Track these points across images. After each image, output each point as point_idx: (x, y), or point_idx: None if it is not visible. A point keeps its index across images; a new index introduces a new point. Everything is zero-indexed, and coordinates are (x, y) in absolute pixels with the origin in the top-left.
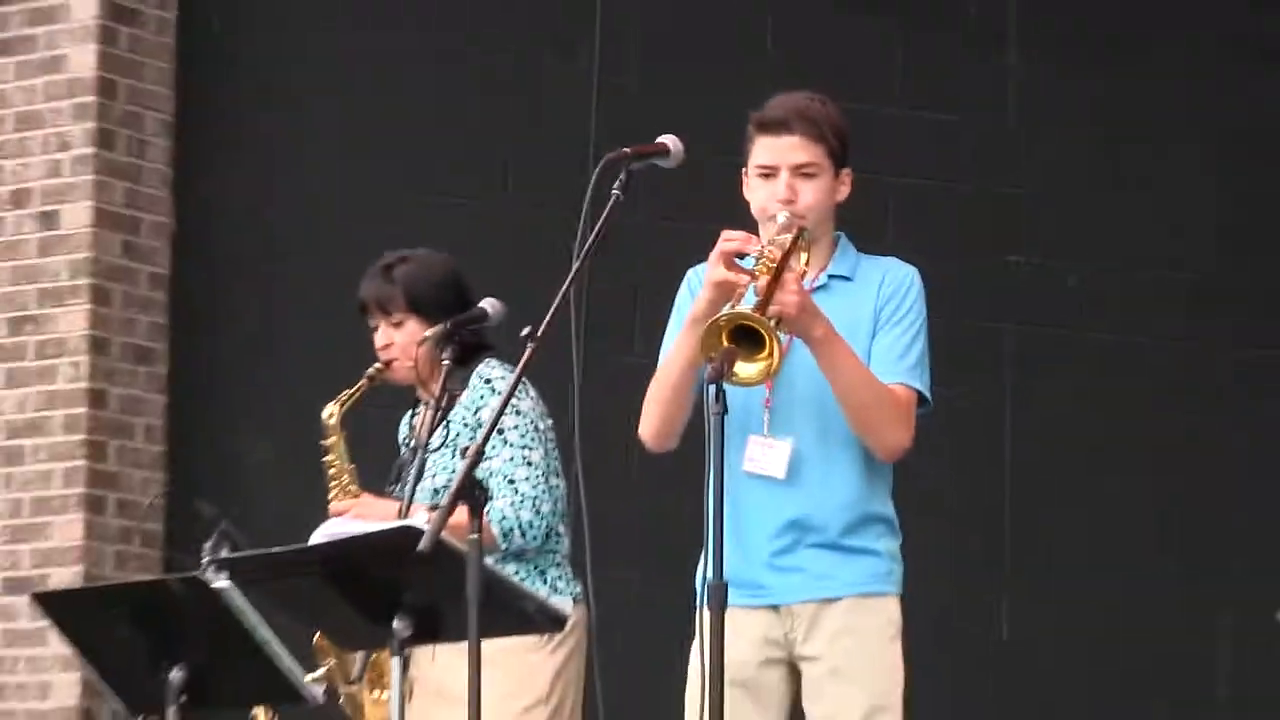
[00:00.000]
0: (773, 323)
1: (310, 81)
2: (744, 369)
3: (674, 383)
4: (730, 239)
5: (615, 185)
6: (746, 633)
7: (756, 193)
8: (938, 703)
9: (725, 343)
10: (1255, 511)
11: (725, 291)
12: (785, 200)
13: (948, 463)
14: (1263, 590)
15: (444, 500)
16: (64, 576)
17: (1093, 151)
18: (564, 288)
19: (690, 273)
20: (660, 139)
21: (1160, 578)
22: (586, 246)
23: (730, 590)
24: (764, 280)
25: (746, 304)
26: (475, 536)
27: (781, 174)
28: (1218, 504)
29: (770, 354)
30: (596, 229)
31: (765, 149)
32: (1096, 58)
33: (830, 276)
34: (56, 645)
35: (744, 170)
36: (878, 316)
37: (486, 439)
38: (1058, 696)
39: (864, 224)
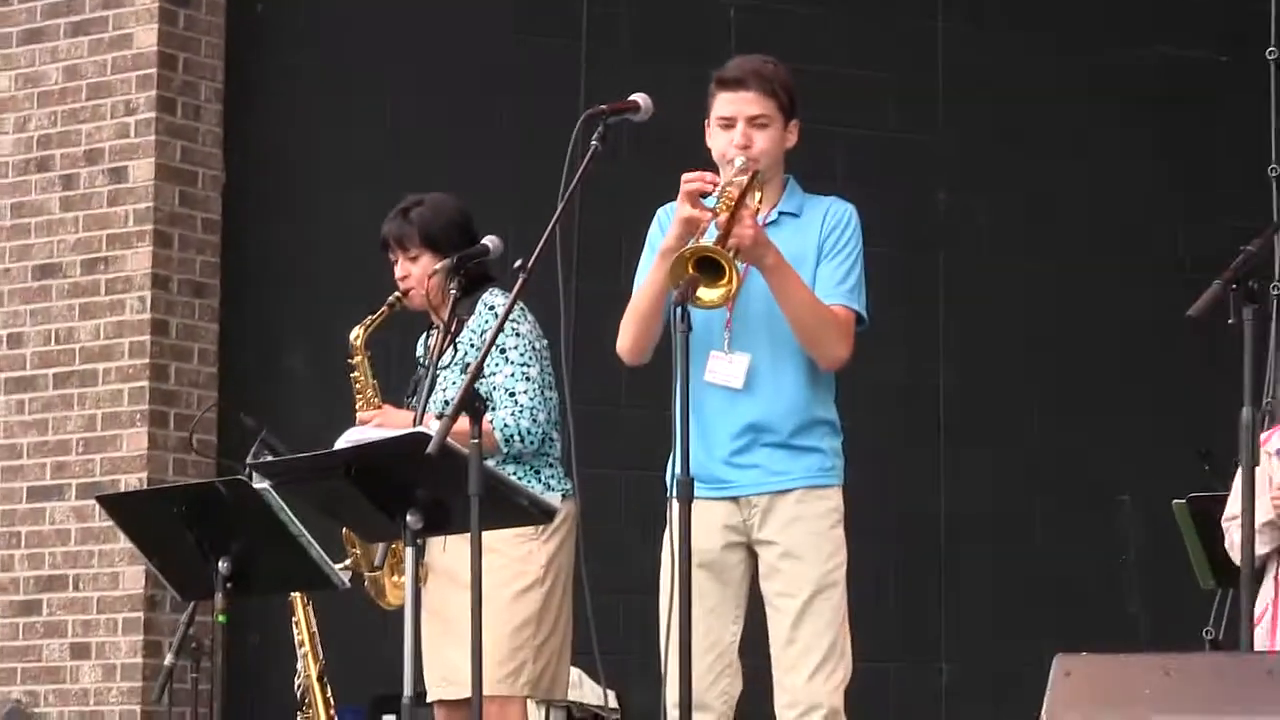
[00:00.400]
0: (731, 254)
1: (340, 52)
2: (706, 294)
3: (646, 306)
4: (692, 180)
5: (594, 137)
6: (711, 521)
7: (717, 139)
8: (886, 573)
9: (690, 272)
10: (1130, 406)
11: (691, 227)
12: (742, 146)
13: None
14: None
15: (449, 410)
16: (131, 482)
17: (1008, 104)
18: (550, 225)
19: (660, 211)
20: (632, 97)
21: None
22: (570, 188)
23: (696, 484)
24: (724, 216)
25: (709, 238)
26: (476, 441)
27: (739, 124)
28: (1116, 404)
29: (729, 281)
30: (578, 173)
31: (725, 103)
32: (1011, 23)
33: (780, 213)
34: (125, 541)
35: (706, 121)
36: (821, 247)
37: (484, 357)
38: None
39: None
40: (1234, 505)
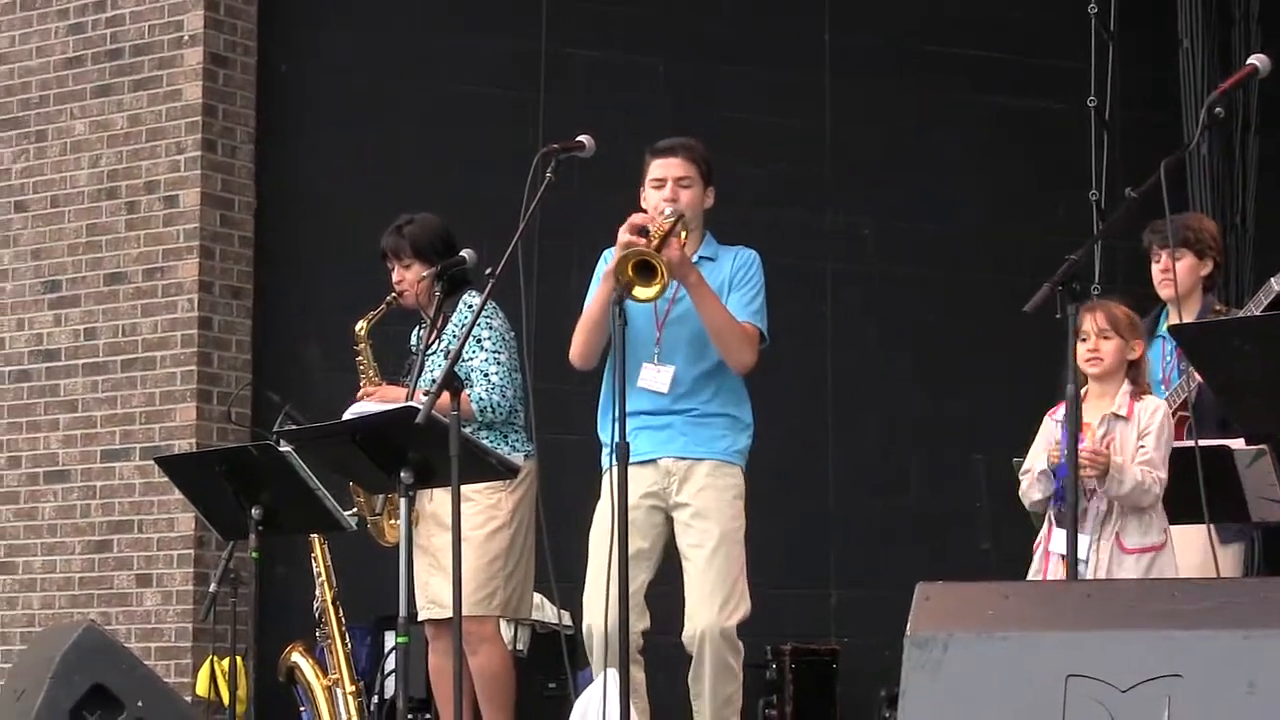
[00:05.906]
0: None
1: (347, 102)
2: (643, 292)
3: (593, 320)
4: (636, 217)
5: (549, 170)
6: (636, 487)
7: (651, 196)
8: (788, 515)
9: (631, 273)
10: (986, 383)
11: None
12: (670, 199)
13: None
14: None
15: (433, 389)
16: (183, 446)
17: (884, 149)
18: (514, 240)
19: (606, 251)
20: (578, 137)
21: (935, 436)
22: (529, 210)
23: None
24: (656, 241)
25: None
26: (455, 413)
27: (668, 183)
28: (972, 382)
29: (661, 278)
30: (536, 199)
31: (657, 167)
32: (890, 76)
33: (700, 257)
34: (178, 493)
35: (642, 187)
36: (732, 281)
37: (461, 346)
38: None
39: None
40: (1028, 461)
